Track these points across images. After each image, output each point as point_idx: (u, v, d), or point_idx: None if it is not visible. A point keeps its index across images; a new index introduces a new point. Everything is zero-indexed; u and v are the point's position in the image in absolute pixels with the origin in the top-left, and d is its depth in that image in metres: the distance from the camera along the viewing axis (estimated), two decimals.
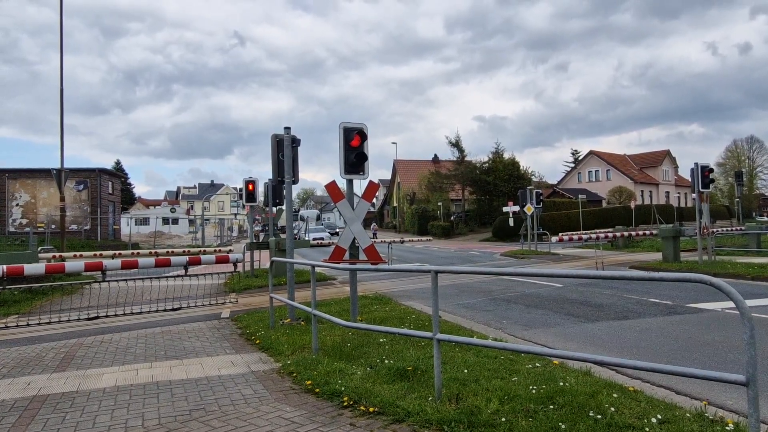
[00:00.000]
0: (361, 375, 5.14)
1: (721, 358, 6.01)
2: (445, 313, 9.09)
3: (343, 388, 4.73)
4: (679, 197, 66.87)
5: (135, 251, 25.29)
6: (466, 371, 5.09)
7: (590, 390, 4.42)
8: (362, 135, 8.01)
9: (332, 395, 4.69)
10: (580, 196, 45.15)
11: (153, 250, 24.69)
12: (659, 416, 3.81)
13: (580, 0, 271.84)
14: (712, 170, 16.21)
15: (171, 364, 6.30)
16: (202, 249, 25.15)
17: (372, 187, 8.68)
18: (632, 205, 35.97)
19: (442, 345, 4.85)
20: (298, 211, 68.36)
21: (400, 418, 4.08)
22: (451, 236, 46.22)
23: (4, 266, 9.91)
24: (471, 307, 10.23)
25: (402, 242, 26.23)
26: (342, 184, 8.67)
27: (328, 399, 4.67)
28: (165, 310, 10.55)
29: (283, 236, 15.73)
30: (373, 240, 10.13)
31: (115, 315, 10.11)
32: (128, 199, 77.48)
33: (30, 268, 10.68)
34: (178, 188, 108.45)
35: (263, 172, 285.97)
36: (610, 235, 26.36)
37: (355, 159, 8.03)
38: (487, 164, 49.19)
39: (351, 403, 4.48)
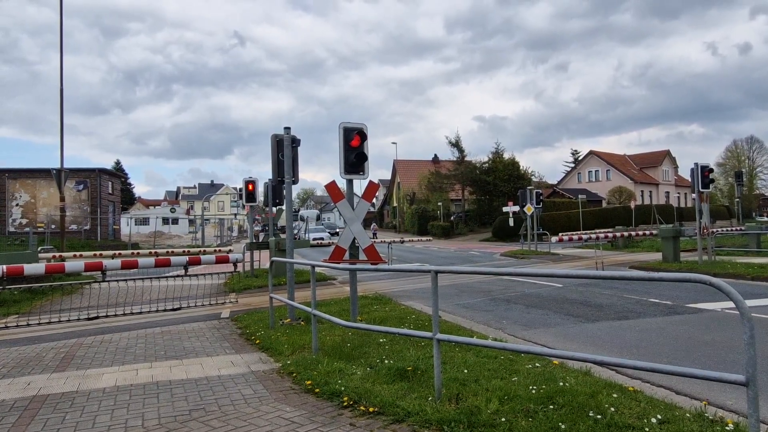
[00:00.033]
0: (361, 375, 5.14)
1: (721, 358, 6.01)
2: (445, 313, 9.09)
3: (343, 388, 4.73)
4: (679, 197, 66.90)
5: (135, 251, 25.30)
6: (466, 371, 5.09)
7: (590, 390, 4.42)
8: (362, 135, 8.01)
9: (332, 395, 4.69)
10: (580, 196, 45.16)
11: (153, 250, 24.69)
12: (659, 416, 3.81)
13: (580, 0, 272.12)
14: (712, 170, 16.22)
15: (171, 364, 6.30)
16: (202, 249, 25.15)
17: (372, 187, 8.68)
18: (632, 205, 35.97)
19: (442, 345, 4.85)
20: (298, 211, 68.33)
21: (400, 418, 4.08)
22: (451, 236, 46.22)
23: (4, 266, 9.91)
24: (471, 307, 10.23)
25: (402, 242, 26.23)
26: (342, 184, 8.67)
27: (328, 399, 4.67)
28: (165, 310, 10.55)
29: (283, 236, 15.73)
30: (373, 240, 10.13)
31: (115, 315, 10.12)
32: (128, 199, 77.51)
33: (30, 268, 10.67)
34: (178, 188, 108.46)
35: (263, 172, 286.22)
36: (610, 235, 26.35)
37: (355, 159, 8.03)
38: (487, 164, 49.19)
39: (351, 403, 4.47)
